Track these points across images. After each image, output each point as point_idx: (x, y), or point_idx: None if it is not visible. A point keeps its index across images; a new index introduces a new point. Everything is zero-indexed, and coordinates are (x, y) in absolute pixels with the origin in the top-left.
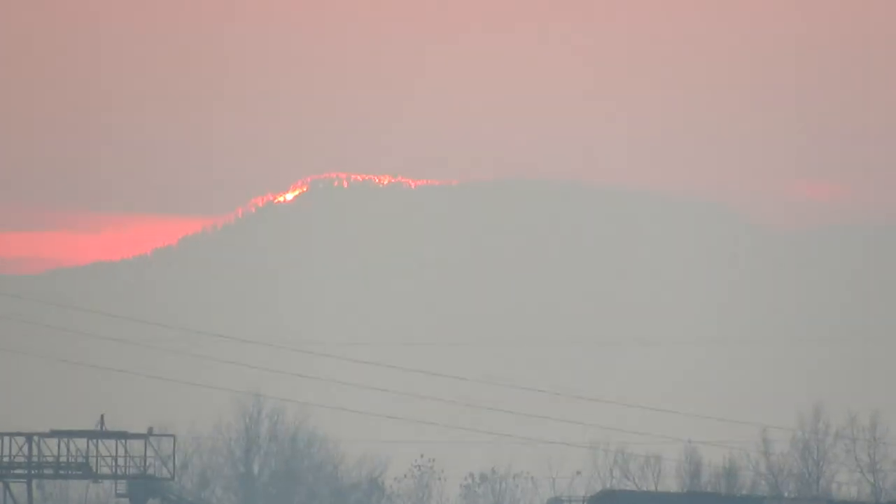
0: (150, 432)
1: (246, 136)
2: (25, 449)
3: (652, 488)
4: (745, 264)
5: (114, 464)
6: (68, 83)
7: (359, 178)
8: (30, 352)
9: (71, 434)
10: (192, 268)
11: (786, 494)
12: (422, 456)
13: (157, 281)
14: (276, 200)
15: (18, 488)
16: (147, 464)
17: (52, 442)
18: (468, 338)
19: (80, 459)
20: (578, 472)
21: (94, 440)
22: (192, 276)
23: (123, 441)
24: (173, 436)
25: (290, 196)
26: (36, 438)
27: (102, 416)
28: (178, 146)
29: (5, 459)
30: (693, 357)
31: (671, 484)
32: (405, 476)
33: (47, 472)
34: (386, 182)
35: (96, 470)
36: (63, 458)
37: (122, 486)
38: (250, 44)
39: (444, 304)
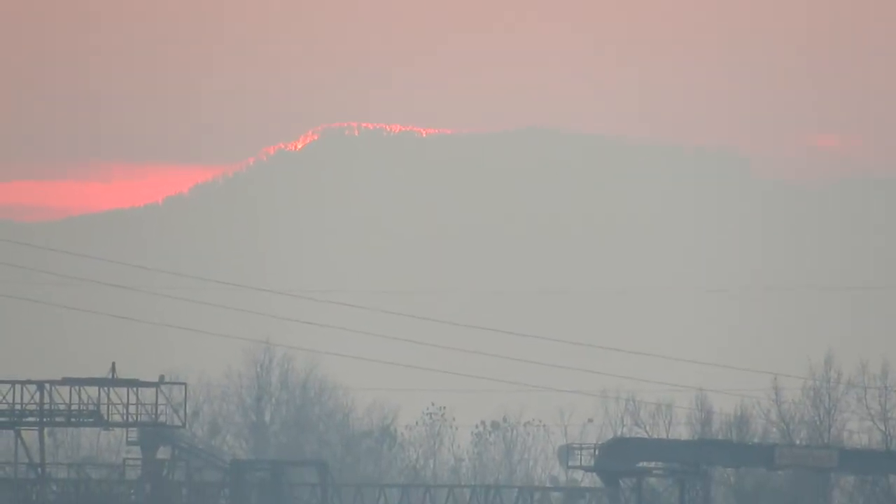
0: (162, 380)
1: (256, 85)
2: (37, 397)
3: (663, 436)
4: (757, 215)
5: (125, 411)
6: (78, 31)
7: (370, 126)
8: (42, 300)
9: (83, 382)
10: (203, 216)
11: (797, 442)
12: (433, 404)
13: (169, 229)
14: (287, 149)
15: (30, 436)
16: (158, 411)
17: (64, 390)
18: (478, 286)
19: (91, 407)
20: (590, 420)
21: (106, 388)
22: (204, 225)
23: (135, 389)
24: (184, 384)
25: (300, 145)
26: (48, 386)
27: (114, 365)
28: (188, 95)
29: (17, 407)
30: (704, 306)
31: (682, 432)
32: (416, 424)
33: (59, 419)
34: (397, 130)
35: (108, 418)
36: (75, 406)
37: (133, 434)
38: None
39: (454, 253)
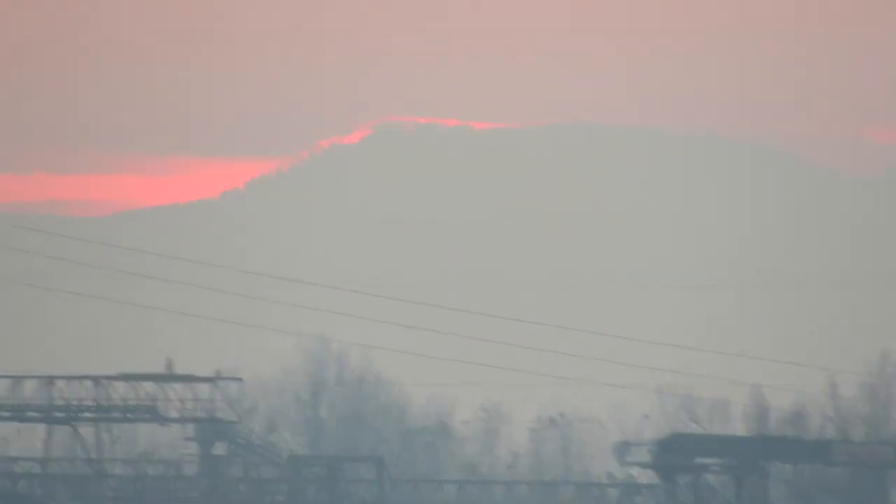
0: (218, 376)
1: (311, 79)
2: (94, 392)
3: (719, 432)
4: (812, 209)
5: (181, 407)
6: (136, 27)
7: (424, 121)
8: (97, 295)
9: (139, 377)
10: (259, 211)
11: (854, 438)
12: (488, 400)
13: (224, 224)
14: (341, 143)
15: (87, 431)
16: (214, 407)
17: (120, 385)
18: (536, 281)
19: (147, 403)
20: (646, 416)
21: (162, 383)
22: (259, 219)
23: (191, 384)
24: (240, 379)
25: (355, 139)
26: (104, 382)
27: (170, 360)
28: (243, 89)
29: (74, 403)
30: (760, 301)
31: (738, 428)
32: (472, 420)
33: (115, 415)
34: (452, 125)
35: (164, 413)
36: (131, 402)
37: (189, 430)
38: None
39: (510, 248)
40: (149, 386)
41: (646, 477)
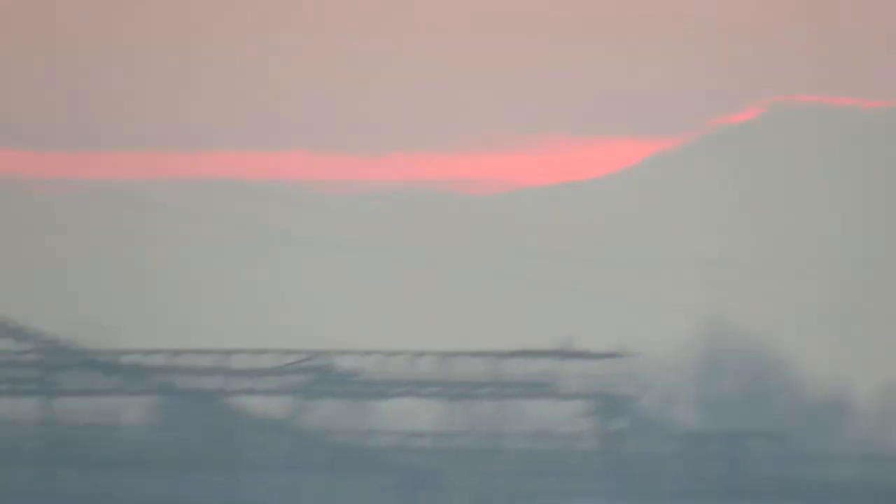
0: (615, 352)
1: (700, 58)
2: (491, 369)
3: None
4: None
5: (578, 383)
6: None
7: (814, 99)
8: (491, 271)
9: (536, 354)
10: (657, 188)
11: None
12: (887, 379)
13: (621, 203)
14: (732, 122)
15: (484, 407)
16: (611, 383)
17: (518, 362)
18: None
19: (545, 379)
20: None
21: (559, 360)
22: (657, 198)
23: (588, 361)
24: (638, 355)
25: (746, 118)
26: (501, 358)
27: (568, 336)
28: (642, 70)
29: (471, 379)
30: None
31: None
32: (872, 398)
33: (512, 391)
34: (839, 104)
35: (561, 389)
36: (528, 378)
37: (587, 405)
38: None
39: None
40: (546, 362)
41: None
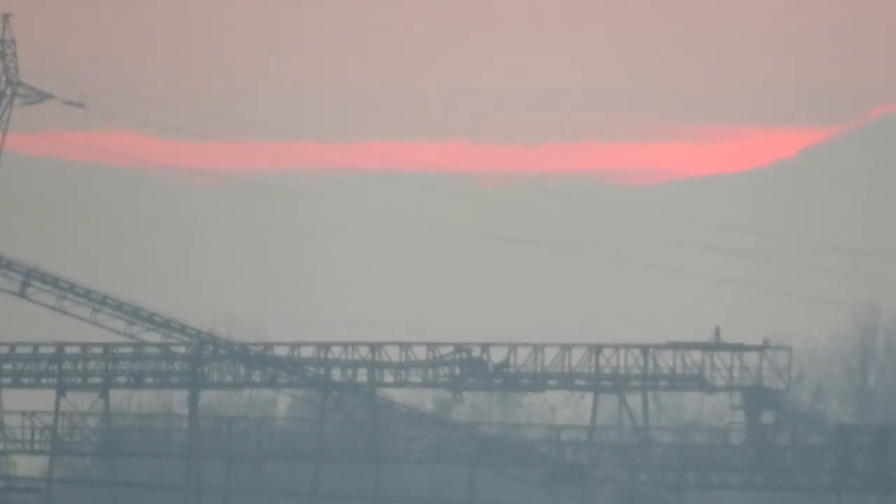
0: (766, 344)
1: (861, 47)
2: (641, 361)
3: None
4: None
5: (728, 375)
6: None
7: None
8: (644, 262)
9: (686, 346)
10: (810, 180)
11: None
12: None
13: (773, 193)
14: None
15: (633, 399)
16: (762, 376)
17: (668, 354)
18: None
19: (695, 371)
20: None
21: (710, 352)
22: (812, 189)
23: (738, 353)
24: (789, 348)
25: (873, 122)
26: (651, 350)
27: (718, 329)
28: (805, 57)
29: (621, 371)
30: None
31: None
32: None
33: (662, 383)
34: None
35: (711, 382)
36: (678, 370)
37: (736, 398)
38: None
39: None
40: (696, 355)
41: None
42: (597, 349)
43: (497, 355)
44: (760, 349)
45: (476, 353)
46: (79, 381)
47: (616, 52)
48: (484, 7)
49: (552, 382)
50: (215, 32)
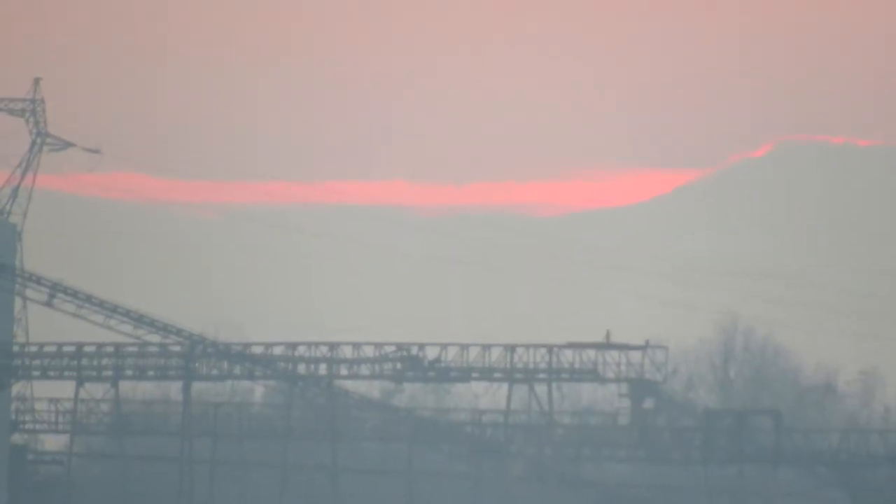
0: (647, 344)
1: (724, 97)
2: (547, 358)
3: None
4: None
5: (617, 370)
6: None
7: (818, 139)
8: (550, 279)
9: (583, 346)
10: (684, 212)
11: None
12: (867, 365)
13: (655, 222)
14: (750, 157)
15: (541, 389)
16: (643, 370)
17: (568, 352)
18: None
19: (590, 366)
20: None
21: (601, 351)
22: (684, 218)
23: (625, 352)
24: (666, 347)
25: (761, 154)
26: (555, 349)
27: (608, 332)
28: (667, 106)
29: (531, 366)
30: None
31: None
32: (853, 381)
33: (564, 376)
34: (840, 142)
35: (603, 375)
36: (576, 366)
37: (623, 388)
38: None
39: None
40: (591, 353)
41: None
42: (511, 348)
43: (431, 353)
44: (642, 349)
45: (414, 351)
46: (94, 374)
47: (527, 110)
48: (424, 69)
49: (475, 375)
50: (207, 92)
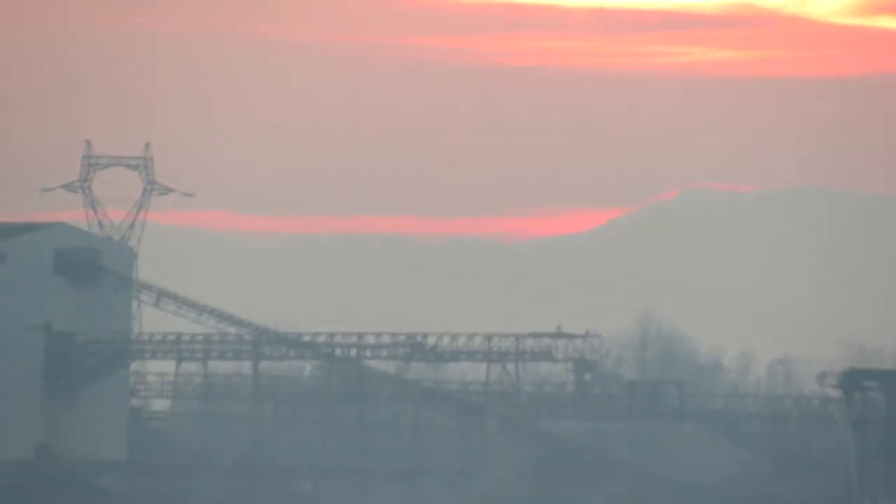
0: (587, 334)
1: (635, 148)
2: (515, 344)
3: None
4: None
5: (565, 352)
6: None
7: (719, 187)
8: (516, 288)
9: (541, 335)
10: (615, 239)
11: None
12: (746, 348)
13: (593, 247)
14: (662, 200)
15: (511, 367)
16: (585, 352)
17: (530, 340)
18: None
19: (546, 350)
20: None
21: (554, 339)
22: (614, 244)
23: (571, 339)
24: (600, 336)
25: (672, 198)
26: (521, 338)
27: (559, 325)
28: (589, 152)
29: (503, 350)
30: None
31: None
32: (735, 359)
33: (527, 357)
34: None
35: (555, 356)
36: (537, 349)
37: (570, 366)
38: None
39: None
40: (547, 340)
41: (835, 394)
42: (489, 337)
43: (431, 341)
44: (584, 337)
45: (419, 339)
46: (189, 355)
47: (502, 167)
48: (419, 127)
49: (463, 356)
50: (267, 146)
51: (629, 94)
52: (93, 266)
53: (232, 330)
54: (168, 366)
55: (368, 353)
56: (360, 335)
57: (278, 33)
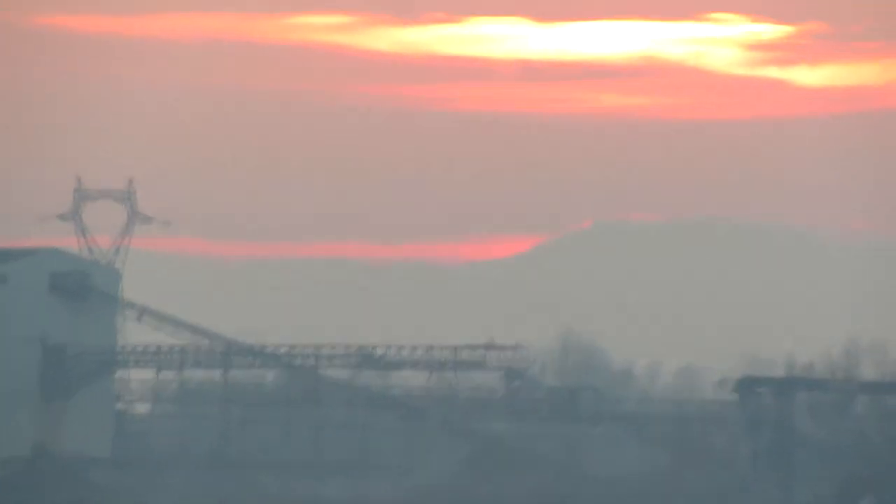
0: (516, 346)
1: (551, 177)
2: (452, 354)
3: (768, 375)
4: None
5: (496, 362)
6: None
7: (634, 218)
8: (457, 304)
9: (475, 346)
10: (540, 264)
11: None
12: (655, 358)
13: (517, 271)
14: (575, 230)
15: (449, 374)
16: (514, 362)
17: (466, 350)
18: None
19: (479, 359)
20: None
21: (487, 349)
22: (540, 269)
23: (501, 350)
24: (526, 348)
25: (586, 227)
26: (457, 348)
27: (492, 337)
28: (515, 186)
29: (442, 360)
30: None
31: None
32: (645, 367)
33: (463, 366)
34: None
35: (488, 364)
36: (472, 359)
37: (500, 374)
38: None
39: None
40: (481, 351)
41: (732, 398)
42: (430, 348)
43: (379, 352)
44: (513, 348)
45: (368, 351)
46: (167, 365)
47: (430, 197)
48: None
49: (407, 366)
50: (247, 177)
51: (550, 135)
52: (83, 287)
53: (205, 342)
54: (149, 374)
55: (324, 363)
56: (317, 347)
57: (242, 84)
